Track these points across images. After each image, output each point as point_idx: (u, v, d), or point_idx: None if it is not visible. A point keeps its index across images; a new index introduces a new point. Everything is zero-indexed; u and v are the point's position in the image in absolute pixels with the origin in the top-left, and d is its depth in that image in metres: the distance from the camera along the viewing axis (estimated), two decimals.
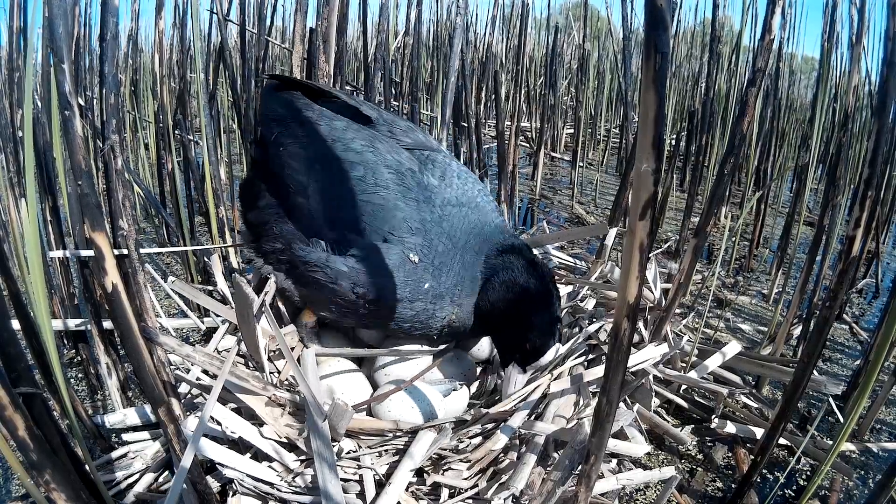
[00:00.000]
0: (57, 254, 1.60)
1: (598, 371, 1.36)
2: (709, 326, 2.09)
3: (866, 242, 1.88)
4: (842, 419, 1.56)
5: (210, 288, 1.79)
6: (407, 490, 1.10)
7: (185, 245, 2.08)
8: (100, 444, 1.35)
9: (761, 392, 1.70)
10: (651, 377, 1.43)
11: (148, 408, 1.33)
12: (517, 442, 1.21)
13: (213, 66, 3.15)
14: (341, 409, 1.12)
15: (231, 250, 1.93)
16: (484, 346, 1.61)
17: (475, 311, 1.40)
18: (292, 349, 1.51)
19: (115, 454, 1.24)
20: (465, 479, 1.12)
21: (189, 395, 1.36)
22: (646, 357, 1.43)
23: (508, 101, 5.18)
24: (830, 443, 1.37)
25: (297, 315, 1.54)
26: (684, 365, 1.58)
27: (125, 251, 1.21)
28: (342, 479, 1.12)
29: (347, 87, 3.55)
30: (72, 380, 1.68)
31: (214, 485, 1.14)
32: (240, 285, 1.19)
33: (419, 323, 1.38)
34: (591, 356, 1.46)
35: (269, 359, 1.40)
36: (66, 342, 1.80)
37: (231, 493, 1.09)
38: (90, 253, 1.45)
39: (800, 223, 2.39)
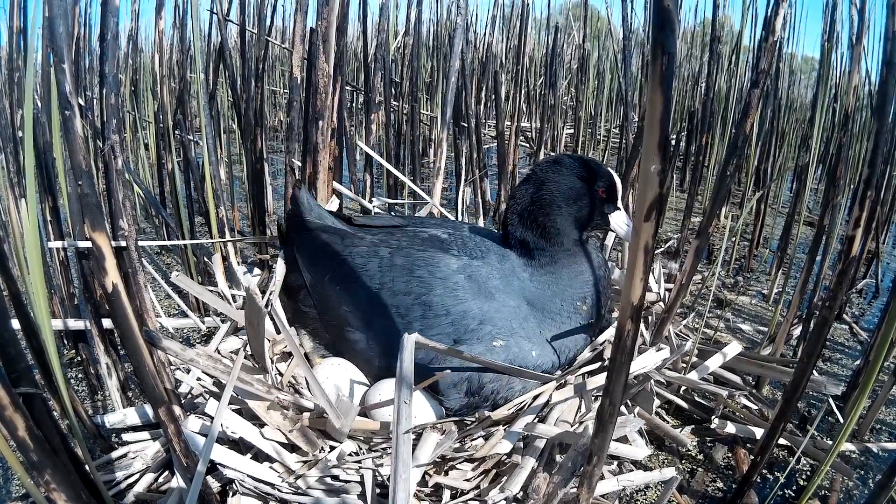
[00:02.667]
0: (56, 244, 1.59)
1: (601, 379, 1.36)
2: (709, 326, 2.09)
3: (866, 242, 1.88)
4: (842, 419, 1.56)
5: (211, 289, 1.79)
6: None
7: (184, 246, 2.07)
8: (100, 444, 1.35)
9: (761, 392, 1.70)
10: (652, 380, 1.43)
11: (148, 408, 1.33)
12: (521, 445, 1.21)
13: (213, 66, 3.14)
14: (345, 406, 1.12)
15: (231, 250, 1.93)
16: None
17: (556, 247, 1.43)
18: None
19: (115, 454, 1.24)
20: (468, 480, 1.12)
21: (189, 395, 1.36)
22: (648, 362, 1.43)
23: (508, 101, 5.18)
24: (830, 443, 1.37)
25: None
26: (685, 365, 1.58)
27: (123, 243, 1.21)
28: (343, 481, 1.12)
29: (348, 87, 3.54)
30: (72, 380, 1.67)
31: (214, 485, 1.13)
32: (252, 298, 1.19)
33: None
34: (598, 364, 1.46)
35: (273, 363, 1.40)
36: (66, 342, 1.80)
37: (231, 494, 1.08)
38: (88, 244, 1.45)
39: (800, 223, 2.39)
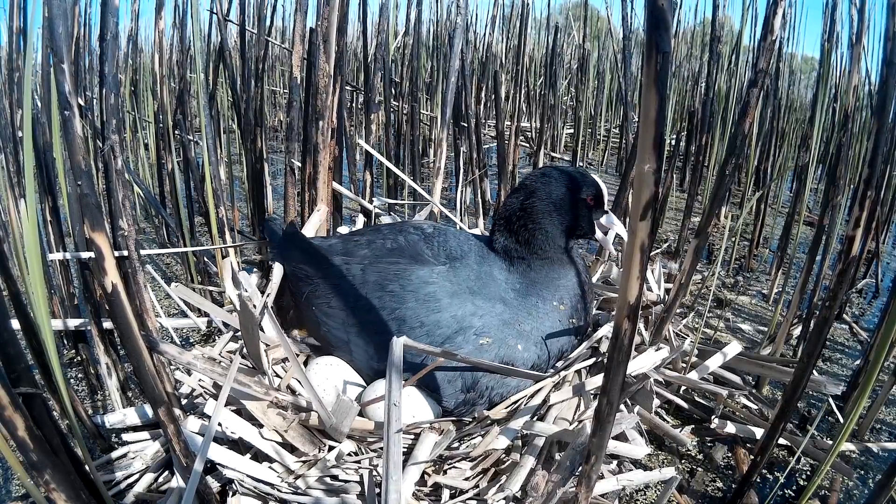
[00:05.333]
0: (56, 256, 1.60)
1: (599, 380, 1.36)
2: (709, 326, 2.09)
3: (866, 242, 1.88)
4: (842, 419, 1.56)
5: (211, 288, 1.79)
6: None
7: (184, 245, 2.07)
8: (100, 444, 1.35)
9: (761, 392, 1.70)
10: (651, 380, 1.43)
11: (148, 408, 1.33)
12: (520, 444, 1.22)
13: (213, 66, 3.14)
14: (346, 406, 1.12)
15: (231, 251, 1.93)
16: None
17: (540, 256, 1.44)
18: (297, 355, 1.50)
19: (115, 454, 1.24)
20: (466, 479, 1.12)
21: (191, 396, 1.36)
22: (647, 361, 1.43)
23: (508, 101, 5.18)
24: (830, 443, 1.37)
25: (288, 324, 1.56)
26: (684, 365, 1.58)
27: (125, 252, 1.21)
28: (343, 481, 1.12)
29: (348, 87, 3.54)
30: (72, 380, 1.67)
31: (214, 485, 1.14)
32: (245, 303, 1.19)
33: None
34: (592, 360, 1.46)
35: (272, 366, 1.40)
36: (66, 342, 1.80)
37: (231, 494, 1.09)
38: (89, 255, 1.45)
39: (800, 223, 2.39)
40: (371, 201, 2.29)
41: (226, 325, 1.58)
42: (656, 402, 1.50)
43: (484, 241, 1.53)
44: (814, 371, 1.19)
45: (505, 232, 1.47)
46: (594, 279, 1.89)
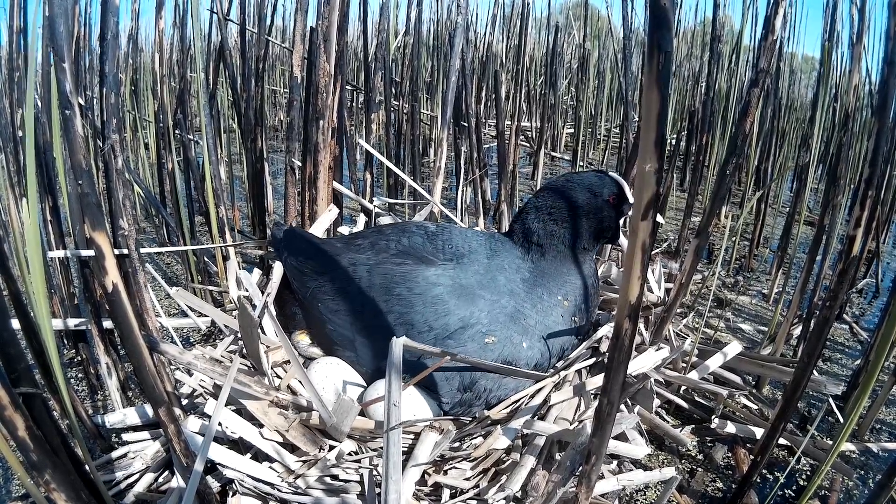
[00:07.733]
0: (57, 253, 1.59)
1: (599, 380, 1.36)
2: (709, 326, 2.09)
3: (866, 242, 1.88)
4: (842, 419, 1.56)
5: (211, 288, 1.79)
6: None
7: (184, 245, 2.07)
8: (100, 444, 1.35)
9: (761, 392, 1.70)
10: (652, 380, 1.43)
11: (148, 408, 1.33)
12: (520, 444, 1.22)
13: (213, 65, 3.14)
14: (347, 405, 1.12)
15: (231, 250, 1.93)
16: None
17: (558, 257, 1.46)
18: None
19: (115, 454, 1.24)
20: (467, 479, 1.12)
21: (191, 396, 1.36)
22: (647, 361, 1.43)
23: (508, 101, 5.18)
24: (830, 443, 1.37)
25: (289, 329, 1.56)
26: (685, 365, 1.58)
27: (125, 251, 1.21)
28: (343, 480, 1.12)
29: (348, 87, 3.54)
30: (72, 380, 1.67)
31: (214, 485, 1.14)
32: (244, 307, 1.19)
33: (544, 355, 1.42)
34: (593, 360, 1.46)
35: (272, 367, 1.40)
36: (66, 342, 1.80)
37: (231, 494, 1.09)
38: (90, 253, 1.45)
39: (800, 223, 2.39)
40: (371, 201, 2.29)
41: (227, 327, 1.58)
42: (656, 402, 1.50)
43: (494, 236, 1.53)
44: (814, 371, 1.19)
45: (532, 216, 1.48)
46: None
